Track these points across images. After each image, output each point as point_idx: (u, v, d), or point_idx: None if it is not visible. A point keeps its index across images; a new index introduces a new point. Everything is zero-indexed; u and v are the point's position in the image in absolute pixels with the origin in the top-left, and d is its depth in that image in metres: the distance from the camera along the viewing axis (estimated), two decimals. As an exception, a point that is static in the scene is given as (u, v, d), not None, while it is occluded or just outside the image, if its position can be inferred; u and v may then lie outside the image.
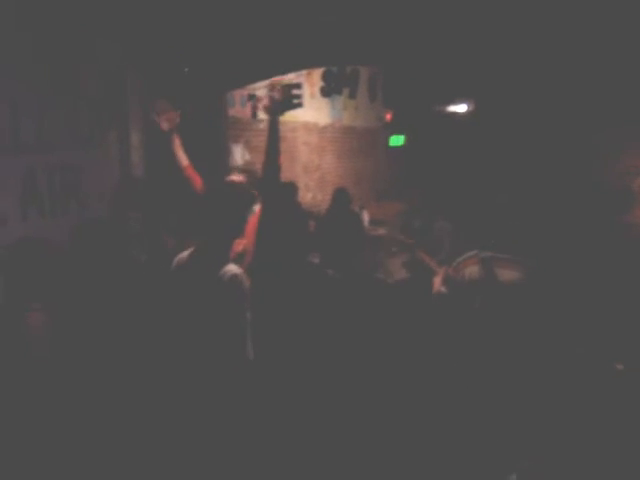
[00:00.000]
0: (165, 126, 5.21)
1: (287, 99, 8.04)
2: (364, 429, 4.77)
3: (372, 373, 5.44)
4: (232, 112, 8.07)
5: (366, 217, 10.36)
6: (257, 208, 5.15)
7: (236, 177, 5.37)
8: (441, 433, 4.40)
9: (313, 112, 10.63)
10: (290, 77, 8.34)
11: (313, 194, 10.94)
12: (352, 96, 9.02)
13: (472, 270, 4.22)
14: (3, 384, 2.87)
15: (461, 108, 13.92)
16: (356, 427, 4.79)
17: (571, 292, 4.68)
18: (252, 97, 7.90)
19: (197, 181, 5.34)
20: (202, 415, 3.78)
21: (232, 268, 3.87)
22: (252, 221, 5.02)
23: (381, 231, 9.81)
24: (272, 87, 5.20)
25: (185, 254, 4.07)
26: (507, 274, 4.09)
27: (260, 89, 7.92)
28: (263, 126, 8.98)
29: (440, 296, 4.41)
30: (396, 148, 13.97)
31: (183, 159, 5.30)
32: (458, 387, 4.33)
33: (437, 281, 4.51)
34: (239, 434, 3.84)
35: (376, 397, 5.13)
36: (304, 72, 9.42)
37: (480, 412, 4.14)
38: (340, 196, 8.07)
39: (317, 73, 9.48)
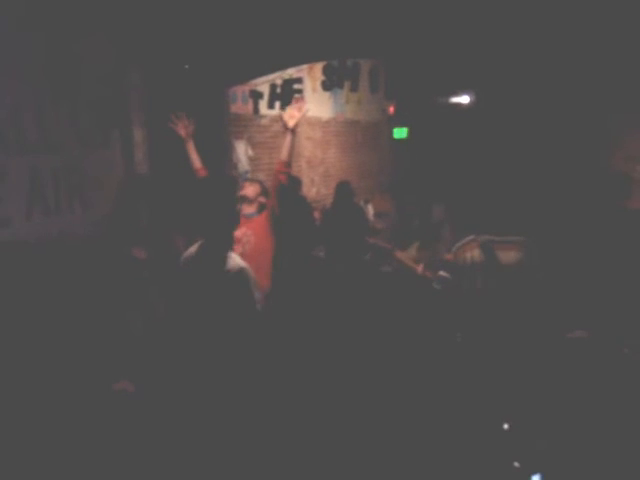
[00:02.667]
0: (182, 133, 5.38)
1: (289, 94, 8.07)
2: (372, 412, 4.80)
3: (377, 363, 5.46)
4: (234, 108, 8.08)
5: (371, 210, 10.37)
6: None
7: (249, 189, 5.39)
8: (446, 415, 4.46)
9: (315, 106, 10.62)
10: (291, 72, 8.36)
11: (317, 188, 10.94)
12: (354, 89, 9.02)
13: (473, 254, 4.37)
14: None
15: (464, 99, 13.87)
16: (365, 410, 4.82)
17: (571, 273, 4.74)
18: (254, 93, 7.90)
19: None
20: (211, 406, 3.82)
21: (238, 262, 3.93)
22: (260, 223, 5.09)
23: (379, 225, 9.78)
24: None
25: (192, 250, 4.12)
26: (507, 255, 4.24)
27: (261, 84, 7.93)
28: (265, 122, 9.00)
29: (441, 280, 4.55)
30: (400, 140, 13.95)
31: (196, 162, 5.38)
32: (462, 370, 4.41)
33: (419, 268, 4.72)
34: (247, 424, 3.88)
35: (382, 386, 5.16)
36: (305, 67, 9.42)
37: (485, 395, 4.21)
38: (343, 190, 8.08)
39: (318, 68, 9.48)
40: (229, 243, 4.06)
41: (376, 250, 5.64)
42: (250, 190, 5.33)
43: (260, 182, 5.74)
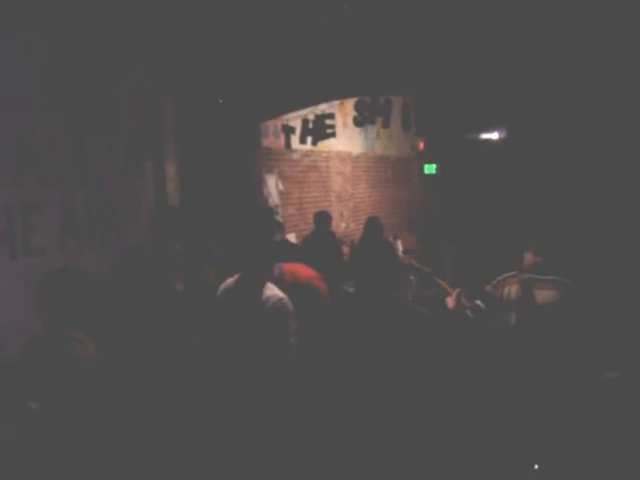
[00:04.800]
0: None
1: (321, 129, 8.12)
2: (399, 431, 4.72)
3: (402, 397, 5.37)
4: (266, 142, 8.14)
5: (400, 246, 10.32)
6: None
7: None
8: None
9: (346, 142, 10.67)
10: (323, 107, 8.41)
11: (347, 223, 10.94)
12: (385, 125, 9.03)
13: (511, 289, 4.43)
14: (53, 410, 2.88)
15: (494, 135, 13.86)
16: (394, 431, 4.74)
17: (612, 311, 4.70)
18: (286, 127, 7.96)
19: (323, 289, 5.30)
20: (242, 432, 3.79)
21: (277, 293, 3.92)
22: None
23: (412, 260, 9.74)
24: None
25: (230, 281, 4.12)
26: (544, 294, 4.26)
27: (293, 119, 7.99)
28: (297, 156, 9.05)
29: (474, 310, 4.57)
30: (430, 176, 13.95)
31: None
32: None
33: (450, 301, 4.74)
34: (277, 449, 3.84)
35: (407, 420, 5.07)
36: (337, 102, 9.48)
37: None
38: (372, 225, 8.05)
39: (350, 103, 9.53)
40: (267, 274, 4.04)
41: (419, 274, 5.65)
42: None
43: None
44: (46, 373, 2.85)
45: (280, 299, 3.90)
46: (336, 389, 5.32)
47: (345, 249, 8.28)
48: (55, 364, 2.86)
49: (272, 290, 3.95)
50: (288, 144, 8.05)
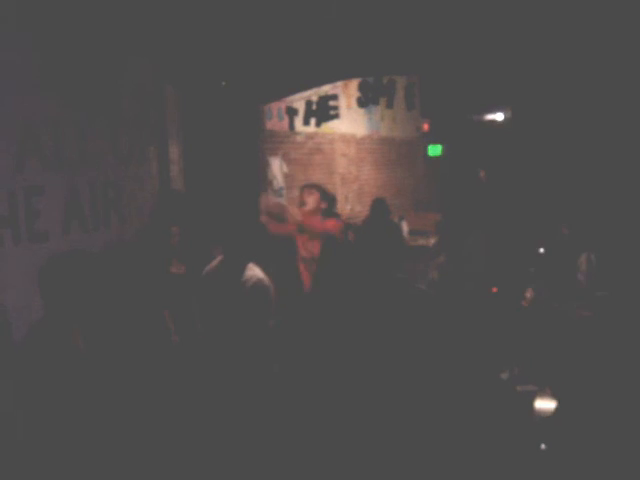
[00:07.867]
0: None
1: (324, 110, 8.07)
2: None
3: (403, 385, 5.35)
4: (269, 125, 8.11)
5: (405, 227, 10.29)
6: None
7: (309, 194, 5.90)
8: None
9: (350, 123, 10.61)
10: (326, 89, 8.35)
11: (352, 205, 10.90)
12: (389, 106, 8.97)
13: None
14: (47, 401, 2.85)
15: (499, 116, 13.77)
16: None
17: None
18: (289, 109, 7.91)
19: (316, 225, 5.97)
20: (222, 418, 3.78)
21: (257, 273, 3.88)
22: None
23: (421, 241, 9.74)
24: None
25: (214, 262, 4.10)
26: None
27: (297, 101, 7.94)
28: (301, 138, 9.01)
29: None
30: (435, 157, 13.88)
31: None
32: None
33: None
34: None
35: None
36: (340, 83, 9.41)
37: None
38: (378, 206, 8.03)
39: (353, 84, 9.47)
40: (248, 255, 4.00)
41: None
42: (310, 201, 5.87)
43: (317, 187, 6.17)
44: (45, 362, 2.80)
45: (259, 280, 3.86)
46: (331, 371, 5.30)
47: (351, 235, 8.25)
48: (55, 353, 2.81)
49: (252, 270, 3.91)
50: (292, 126, 8.01)
